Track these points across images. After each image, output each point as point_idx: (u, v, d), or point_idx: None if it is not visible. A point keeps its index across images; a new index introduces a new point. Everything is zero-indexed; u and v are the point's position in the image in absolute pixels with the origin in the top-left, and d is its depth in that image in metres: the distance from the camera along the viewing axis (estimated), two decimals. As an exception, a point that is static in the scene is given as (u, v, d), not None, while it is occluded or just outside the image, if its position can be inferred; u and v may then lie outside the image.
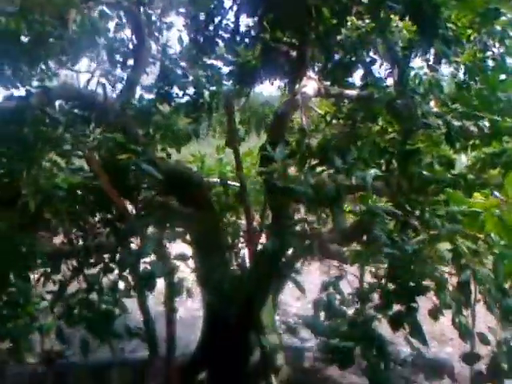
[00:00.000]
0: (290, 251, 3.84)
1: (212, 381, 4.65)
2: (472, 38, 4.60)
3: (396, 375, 5.89)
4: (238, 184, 4.70)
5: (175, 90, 5.50)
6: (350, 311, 2.68)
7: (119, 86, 5.08)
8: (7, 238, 2.99)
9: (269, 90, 7.92)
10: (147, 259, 3.30)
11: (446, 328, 7.86)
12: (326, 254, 3.99)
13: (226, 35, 5.28)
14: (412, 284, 2.51)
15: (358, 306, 2.62)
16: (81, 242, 3.84)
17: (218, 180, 5.31)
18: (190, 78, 5.12)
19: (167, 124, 4.81)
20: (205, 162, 6.33)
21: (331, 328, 2.45)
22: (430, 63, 4.57)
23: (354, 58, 4.79)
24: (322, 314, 2.75)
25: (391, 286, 2.58)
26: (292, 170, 3.25)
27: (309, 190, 2.87)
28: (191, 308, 8.52)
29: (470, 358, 2.79)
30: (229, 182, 5.15)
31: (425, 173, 3.49)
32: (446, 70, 4.64)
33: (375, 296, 2.63)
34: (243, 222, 4.56)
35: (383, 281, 2.64)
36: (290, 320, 3.57)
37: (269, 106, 6.76)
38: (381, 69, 4.82)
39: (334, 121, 5.18)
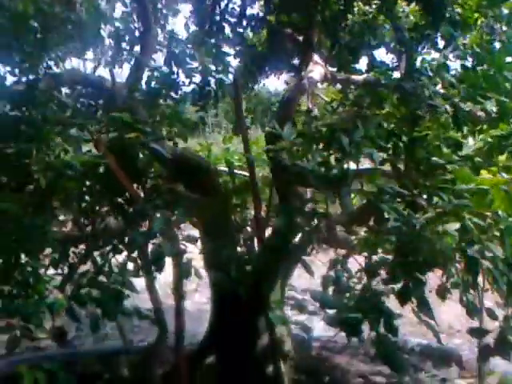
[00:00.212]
0: (298, 236, 3.85)
1: (220, 365, 4.65)
2: (479, 22, 4.59)
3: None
4: (245, 173, 4.70)
5: (181, 77, 5.52)
6: (358, 287, 2.69)
7: (126, 73, 5.08)
8: (18, 220, 3.01)
9: (274, 84, 7.93)
10: (156, 241, 3.32)
11: (453, 320, 7.89)
12: (334, 242, 4.00)
13: (233, 19, 5.28)
14: (420, 258, 2.51)
15: (366, 281, 2.62)
16: (89, 227, 3.87)
17: (226, 168, 5.30)
18: (197, 63, 5.10)
19: (174, 112, 4.80)
20: (211, 150, 6.36)
21: (339, 301, 2.46)
22: (437, 46, 4.56)
23: (360, 43, 4.78)
24: (331, 290, 2.77)
25: (399, 260, 2.58)
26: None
27: (316, 167, 2.88)
28: (199, 302, 8.57)
29: (477, 332, 2.80)
30: (236, 171, 5.15)
31: (433, 158, 3.48)
32: (453, 53, 4.62)
33: (383, 272, 2.64)
34: (251, 211, 4.55)
35: (391, 255, 2.65)
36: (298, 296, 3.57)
37: (275, 95, 6.79)
38: (387, 55, 4.83)
39: (341, 108, 5.18)
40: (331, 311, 2.44)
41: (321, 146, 3.36)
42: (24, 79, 3.54)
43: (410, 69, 4.29)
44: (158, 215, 3.14)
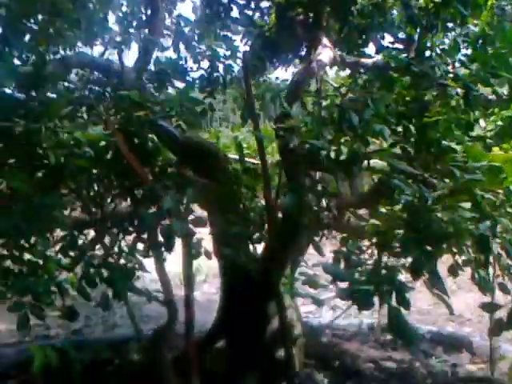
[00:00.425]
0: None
1: (230, 349, 4.66)
2: (489, 2, 4.55)
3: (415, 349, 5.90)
4: (254, 161, 4.67)
5: (189, 63, 5.52)
6: (369, 262, 2.67)
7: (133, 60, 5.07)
8: (27, 199, 3.01)
9: (282, 75, 7.89)
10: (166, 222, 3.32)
11: (463, 309, 7.87)
12: (343, 226, 3.98)
13: (241, 1, 5.25)
14: (432, 233, 2.49)
15: (377, 256, 2.61)
16: (98, 211, 3.87)
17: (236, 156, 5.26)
18: (204, 47, 5.09)
19: (182, 98, 4.76)
20: (220, 138, 6.36)
21: (351, 274, 2.44)
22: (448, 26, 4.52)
23: (369, 25, 4.74)
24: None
25: (411, 234, 2.56)
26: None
27: (326, 145, 2.86)
28: (208, 292, 8.60)
29: (489, 307, 2.78)
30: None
31: (444, 142, 3.45)
32: (463, 33, 4.58)
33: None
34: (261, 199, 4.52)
35: (402, 229, 2.63)
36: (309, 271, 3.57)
37: (283, 82, 6.73)
38: (398, 36, 4.78)
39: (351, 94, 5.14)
40: (342, 285, 2.43)
41: (328, 130, 3.34)
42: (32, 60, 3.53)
43: (420, 49, 4.25)
44: (168, 196, 3.12)
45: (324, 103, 3.45)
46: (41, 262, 3.09)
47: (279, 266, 4.11)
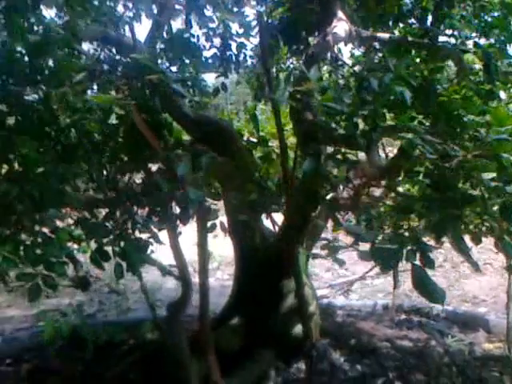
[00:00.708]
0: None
1: (245, 327, 4.62)
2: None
3: (430, 329, 5.86)
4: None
5: (202, 40, 5.44)
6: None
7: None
8: (39, 167, 2.96)
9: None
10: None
11: (478, 292, 7.82)
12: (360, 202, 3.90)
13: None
14: (456, 194, 2.42)
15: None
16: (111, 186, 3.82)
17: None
18: (216, 21, 5.01)
19: (194, 78, 4.70)
20: (232, 119, 6.27)
21: (374, 235, 2.38)
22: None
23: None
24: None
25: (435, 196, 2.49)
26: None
27: (345, 108, 2.78)
28: (221, 278, 8.61)
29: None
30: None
31: (465, 119, 3.34)
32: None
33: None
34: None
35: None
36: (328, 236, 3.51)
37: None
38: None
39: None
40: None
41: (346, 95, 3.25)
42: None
43: (437, 20, 4.16)
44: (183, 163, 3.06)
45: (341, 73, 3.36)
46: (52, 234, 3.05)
47: (297, 237, 4.05)
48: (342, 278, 8.64)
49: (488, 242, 9.72)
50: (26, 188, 2.88)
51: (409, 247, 2.17)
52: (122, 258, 3.18)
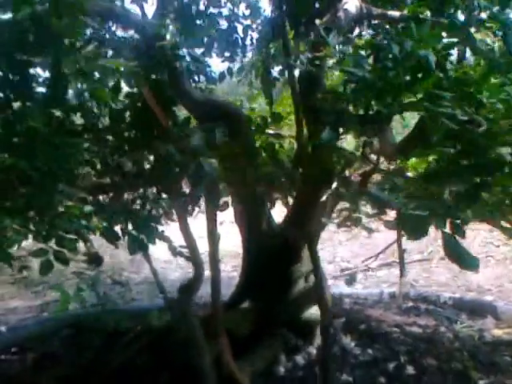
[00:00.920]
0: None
1: (255, 311, 4.54)
2: None
3: (438, 315, 5.82)
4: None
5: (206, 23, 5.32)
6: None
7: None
8: (47, 139, 2.87)
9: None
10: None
11: (482, 281, 7.77)
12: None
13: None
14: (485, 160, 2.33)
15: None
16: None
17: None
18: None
19: (198, 63, 4.60)
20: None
21: (400, 201, 2.29)
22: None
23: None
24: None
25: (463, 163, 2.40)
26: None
27: (363, 73, 2.68)
28: (225, 270, 8.54)
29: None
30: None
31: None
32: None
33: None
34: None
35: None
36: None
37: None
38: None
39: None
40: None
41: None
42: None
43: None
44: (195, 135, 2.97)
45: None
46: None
47: (307, 220, 3.97)
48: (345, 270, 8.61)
49: (488, 235, 9.63)
50: (36, 162, 2.78)
51: (439, 213, 2.08)
52: (133, 240, 3.10)
